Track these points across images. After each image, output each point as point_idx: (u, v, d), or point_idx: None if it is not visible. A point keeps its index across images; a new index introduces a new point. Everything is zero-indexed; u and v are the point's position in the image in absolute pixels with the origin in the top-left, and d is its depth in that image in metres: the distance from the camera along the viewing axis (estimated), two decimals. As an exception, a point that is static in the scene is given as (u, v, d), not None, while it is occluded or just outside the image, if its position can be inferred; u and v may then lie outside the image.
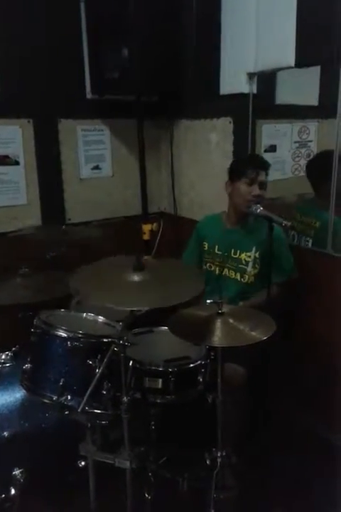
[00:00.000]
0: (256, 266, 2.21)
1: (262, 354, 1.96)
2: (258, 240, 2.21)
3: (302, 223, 2.54)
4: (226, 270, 2.28)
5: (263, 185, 2.19)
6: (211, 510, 1.70)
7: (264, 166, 2.22)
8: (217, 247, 2.30)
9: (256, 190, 2.17)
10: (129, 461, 1.66)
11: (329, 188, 2.20)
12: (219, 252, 2.29)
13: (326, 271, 2.28)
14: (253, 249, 2.21)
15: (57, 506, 1.96)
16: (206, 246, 2.35)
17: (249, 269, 2.22)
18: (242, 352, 1.63)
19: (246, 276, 2.23)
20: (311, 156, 2.89)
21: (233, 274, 2.25)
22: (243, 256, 2.23)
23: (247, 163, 2.25)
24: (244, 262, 2.23)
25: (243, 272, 2.23)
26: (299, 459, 2.17)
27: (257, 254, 2.21)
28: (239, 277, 2.24)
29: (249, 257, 2.22)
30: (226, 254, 2.25)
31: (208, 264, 2.34)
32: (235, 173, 2.24)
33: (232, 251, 2.25)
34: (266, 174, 2.22)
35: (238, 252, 2.24)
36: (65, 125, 2.75)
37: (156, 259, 2.58)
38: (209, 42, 2.60)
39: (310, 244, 2.48)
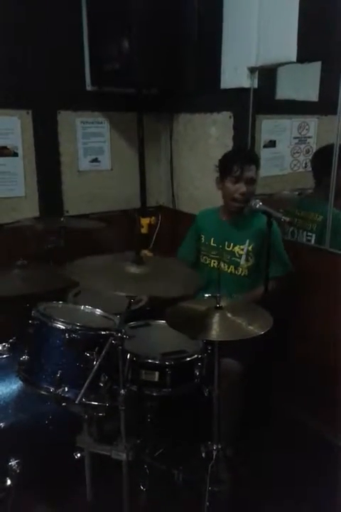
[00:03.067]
0: (249, 259, 2.22)
1: (259, 349, 1.96)
2: (251, 233, 2.21)
3: (302, 218, 2.53)
4: (221, 263, 2.28)
5: (250, 181, 2.17)
6: (206, 503, 1.71)
7: (250, 160, 2.19)
8: (212, 239, 2.31)
9: (242, 187, 2.16)
10: (126, 453, 1.67)
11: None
12: (214, 245, 2.30)
13: (324, 267, 2.29)
14: (247, 242, 2.21)
15: (54, 497, 1.97)
16: (203, 238, 2.36)
17: (242, 262, 2.22)
18: (239, 346, 1.63)
19: (240, 269, 2.23)
20: (313, 151, 2.89)
21: (227, 267, 2.26)
22: (236, 249, 2.23)
23: (232, 159, 2.21)
24: (237, 254, 2.23)
25: (236, 265, 2.23)
26: (294, 453, 2.18)
27: (250, 247, 2.21)
28: (232, 270, 2.25)
29: (242, 249, 2.22)
30: (221, 246, 2.26)
31: (204, 257, 2.34)
32: (222, 170, 2.23)
33: (226, 244, 2.26)
34: (257, 168, 2.20)
35: (231, 245, 2.25)
36: (64, 117, 2.73)
37: (154, 256, 2.60)
38: (211, 35, 2.58)
39: (312, 239, 2.47)
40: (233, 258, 2.24)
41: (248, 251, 2.21)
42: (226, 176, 2.19)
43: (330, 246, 2.28)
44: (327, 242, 2.30)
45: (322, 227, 2.41)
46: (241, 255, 2.23)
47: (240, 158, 2.19)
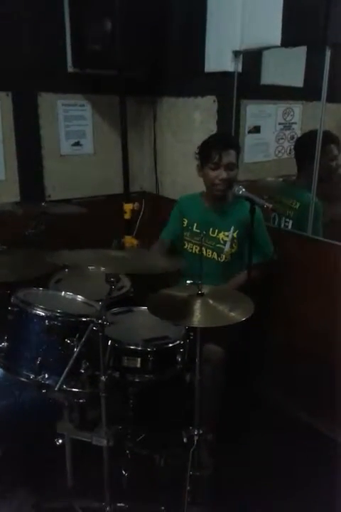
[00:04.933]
0: (234, 246, 2.22)
1: (241, 335, 1.97)
2: (236, 219, 2.20)
3: (283, 204, 2.55)
4: (203, 249, 2.27)
5: (230, 167, 2.15)
6: (187, 488, 1.73)
7: (228, 145, 2.16)
8: (195, 225, 2.30)
9: (222, 174, 2.14)
10: (106, 439, 1.66)
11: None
12: (197, 230, 2.28)
13: (306, 253, 2.30)
14: (232, 228, 2.21)
15: (34, 483, 1.96)
16: (185, 222, 2.34)
17: (227, 248, 2.22)
18: (221, 332, 1.64)
19: (223, 256, 2.23)
20: (296, 137, 2.89)
21: (210, 253, 2.25)
22: (221, 235, 2.23)
23: (210, 145, 2.18)
24: (221, 241, 2.23)
25: (220, 252, 2.23)
26: (275, 437, 2.21)
27: (235, 234, 2.21)
28: (215, 257, 2.24)
29: (227, 236, 2.21)
30: (204, 232, 2.23)
31: (187, 244, 2.33)
32: (201, 157, 2.21)
33: (210, 230, 2.25)
34: (237, 152, 2.17)
35: (216, 231, 2.24)
36: (44, 99, 2.67)
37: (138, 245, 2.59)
38: (195, 18, 2.54)
39: (289, 226, 2.49)
40: (217, 245, 2.24)
41: (233, 237, 2.21)
42: (206, 162, 2.17)
43: (312, 233, 2.30)
44: (309, 229, 2.31)
45: (298, 214, 2.43)
46: (225, 242, 2.22)
47: (218, 144, 2.16)
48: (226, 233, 2.22)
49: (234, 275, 2.21)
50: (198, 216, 2.30)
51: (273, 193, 2.63)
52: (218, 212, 2.26)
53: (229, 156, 2.14)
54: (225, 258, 2.23)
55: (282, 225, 2.53)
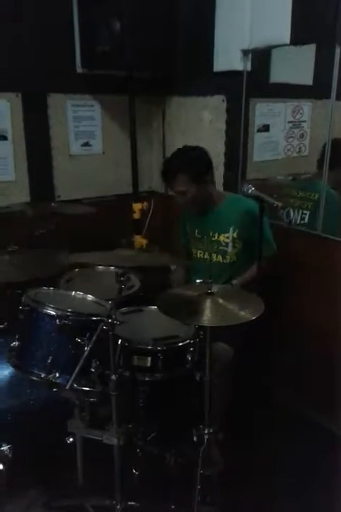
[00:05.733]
0: (236, 245, 2.20)
1: (250, 334, 1.97)
2: (233, 219, 2.19)
3: (300, 198, 2.54)
4: (208, 254, 2.26)
5: (181, 193, 2.12)
6: (197, 486, 1.73)
7: (171, 176, 2.12)
8: (196, 231, 2.29)
9: (178, 200, 2.17)
10: (117, 438, 1.67)
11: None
12: (198, 236, 2.28)
13: (316, 253, 2.29)
14: (231, 229, 2.19)
15: (45, 482, 1.98)
16: (187, 227, 2.36)
17: (230, 249, 2.21)
18: (230, 331, 1.63)
19: (228, 257, 2.22)
20: (307, 135, 2.88)
21: (215, 256, 2.25)
22: (221, 238, 2.22)
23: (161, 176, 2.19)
24: (223, 243, 2.21)
25: (224, 254, 2.22)
26: (285, 436, 2.21)
27: (235, 234, 2.19)
28: (221, 259, 2.23)
29: (228, 237, 2.20)
30: (205, 237, 2.24)
31: (194, 250, 2.32)
32: None
33: (211, 233, 2.24)
34: (188, 174, 2.08)
35: (216, 234, 2.23)
36: (54, 99, 2.69)
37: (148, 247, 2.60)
38: (204, 17, 2.54)
39: (306, 218, 2.47)
40: (220, 247, 2.23)
41: (233, 238, 2.20)
42: None
43: (322, 231, 2.28)
44: (320, 227, 2.29)
45: (316, 205, 2.41)
46: (227, 243, 2.21)
47: (162, 176, 2.17)
48: (226, 235, 2.21)
49: (242, 272, 2.20)
50: (197, 221, 2.30)
51: (289, 189, 2.61)
52: (214, 215, 2.24)
53: (176, 185, 2.13)
54: (230, 259, 2.22)
55: (299, 218, 2.51)
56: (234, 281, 2.16)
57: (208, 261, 2.22)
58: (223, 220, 2.22)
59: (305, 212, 2.49)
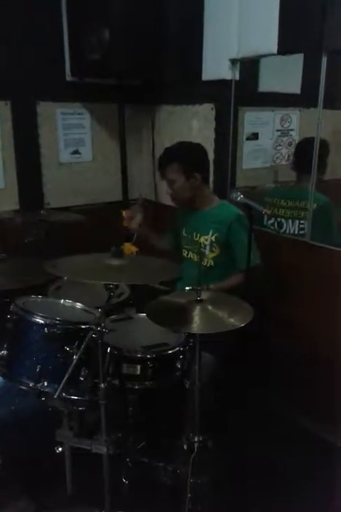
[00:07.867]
0: (214, 249, 2.21)
1: (237, 342, 1.96)
2: (214, 222, 2.20)
3: (291, 208, 2.54)
4: (190, 253, 2.30)
5: (171, 182, 2.20)
6: (188, 495, 1.72)
7: (163, 163, 2.20)
8: (184, 230, 2.34)
9: (168, 190, 2.22)
10: (106, 447, 1.66)
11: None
12: (186, 235, 2.33)
13: (304, 261, 2.30)
14: (210, 232, 2.20)
15: (34, 492, 1.95)
16: (179, 225, 2.38)
17: (207, 252, 2.22)
18: (213, 340, 1.64)
19: (206, 260, 2.22)
20: (294, 144, 2.90)
21: (196, 257, 2.27)
22: (202, 239, 2.24)
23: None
24: (203, 245, 2.23)
25: (203, 256, 2.22)
26: (276, 443, 2.20)
27: (214, 237, 2.20)
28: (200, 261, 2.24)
29: (206, 240, 2.22)
30: (190, 237, 2.28)
31: (183, 250, 2.36)
32: None
33: (194, 234, 2.27)
34: (179, 164, 2.14)
35: (198, 235, 2.25)
36: (43, 108, 2.68)
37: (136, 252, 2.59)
38: (192, 26, 2.56)
39: (305, 227, 2.44)
40: (201, 249, 2.24)
41: (211, 241, 2.20)
42: None
43: (311, 238, 2.30)
44: (308, 234, 2.31)
45: (313, 214, 2.41)
46: (206, 245, 2.23)
47: (157, 163, 2.24)
48: (205, 237, 2.22)
49: (219, 281, 2.16)
50: (186, 221, 2.33)
51: (275, 198, 2.62)
52: (200, 217, 2.27)
53: (168, 173, 2.19)
54: (208, 262, 2.22)
55: (297, 228, 2.52)
56: (211, 286, 2.12)
57: (191, 260, 2.26)
58: (207, 222, 2.23)
59: (302, 221, 2.47)
